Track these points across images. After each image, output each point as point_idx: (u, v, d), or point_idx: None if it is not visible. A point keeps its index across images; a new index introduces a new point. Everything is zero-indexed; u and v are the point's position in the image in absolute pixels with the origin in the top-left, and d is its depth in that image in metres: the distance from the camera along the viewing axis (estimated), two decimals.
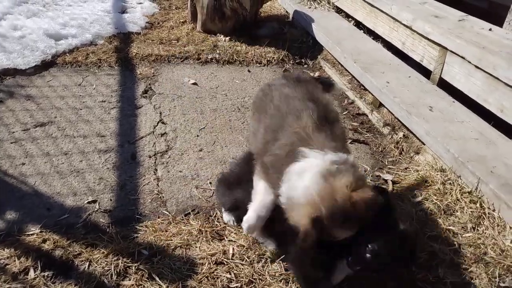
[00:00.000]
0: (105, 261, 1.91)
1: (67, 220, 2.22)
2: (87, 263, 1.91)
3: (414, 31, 3.78)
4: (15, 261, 1.89)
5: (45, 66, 3.75)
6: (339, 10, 5.25)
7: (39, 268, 1.88)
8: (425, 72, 3.68)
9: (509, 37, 3.32)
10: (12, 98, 3.26)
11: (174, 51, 4.25)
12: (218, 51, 4.37)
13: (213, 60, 4.26)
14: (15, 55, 3.74)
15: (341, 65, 4.14)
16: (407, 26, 3.88)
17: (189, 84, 3.78)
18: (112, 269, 1.87)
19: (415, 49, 3.83)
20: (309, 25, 4.74)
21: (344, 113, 3.58)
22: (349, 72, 4.01)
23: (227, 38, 4.62)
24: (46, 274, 1.85)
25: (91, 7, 5.05)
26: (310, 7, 5.29)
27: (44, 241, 2.03)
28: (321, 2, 5.39)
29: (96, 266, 1.89)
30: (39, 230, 2.10)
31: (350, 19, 5.05)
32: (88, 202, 2.36)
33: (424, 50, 3.70)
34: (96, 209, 2.31)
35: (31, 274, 1.85)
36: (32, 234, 2.07)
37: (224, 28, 4.72)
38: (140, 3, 5.51)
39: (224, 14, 4.64)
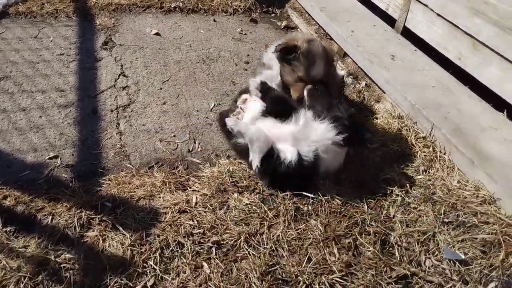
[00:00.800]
0: (68, 214, 1.95)
1: (28, 176, 2.22)
2: (50, 217, 1.94)
3: None
4: None
5: None
6: None
7: (1, 223, 1.90)
8: (391, 21, 3.68)
9: None
10: None
11: (136, 0, 4.07)
12: None
13: (177, 8, 4.12)
14: None
15: (308, 14, 4.09)
16: None
17: (152, 34, 3.67)
18: (76, 221, 1.91)
19: None
20: None
21: None
22: (316, 21, 3.97)
23: None
24: (8, 229, 1.88)
25: None
26: None
27: (5, 197, 2.04)
28: None
29: (59, 219, 1.93)
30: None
31: None
32: (50, 158, 2.36)
33: None
34: (58, 165, 2.31)
35: None
36: None
37: None
38: None
39: None
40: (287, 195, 2.19)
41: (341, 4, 3.96)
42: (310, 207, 2.15)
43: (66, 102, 2.77)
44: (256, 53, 3.61)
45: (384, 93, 3.00)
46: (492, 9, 2.82)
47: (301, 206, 2.15)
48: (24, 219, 1.94)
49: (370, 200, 2.24)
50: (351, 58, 3.39)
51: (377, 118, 2.86)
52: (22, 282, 1.65)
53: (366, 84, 3.19)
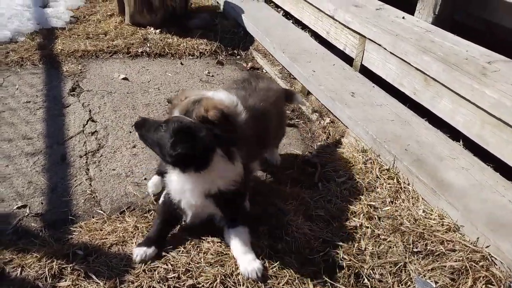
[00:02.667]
0: (39, 264, 1.89)
1: None
2: (19, 269, 1.88)
3: (336, 20, 4.00)
4: None
5: None
6: (268, 1, 5.38)
7: None
8: (348, 60, 3.92)
9: (419, 24, 3.63)
10: None
11: (102, 46, 4.15)
12: (148, 44, 4.32)
13: (144, 53, 4.22)
14: None
15: (272, 56, 4.28)
16: (330, 16, 4.09)
17: (119, 79, 3.73)
18: (47, 271, 1.86)
19: (338, 38, 4.06)
20: (240, 16, 4.83)
21: None
22: (279, 62, 4.16)
23: (158, 31, 4.58)
24: None
25: (7, 1, 4.74)
26: None
27: None
28: None
29: (29, 271, 1.87)
30: None
31: (279, 9, 5.20)
32: (18, 207, 2.31)
33: (346, 38, 3.93)
34: (26, 214, 2.26)
35: None
36: None
37: (153, 20, 4.66)
38: None
39: (152, 5, 4.58)
40: (261, 233, 2.22)
41: (302, 46, 4.19)
42: (284, 245, 2.18)
43: (33, 150, 2.74)
44: None
45: (348, 128, 3.16)
46: (438, 47, 3.08)
47: (275, 244, 2.19)
48: None
49: (341, 233, 2.31)
50: (315, 96, 3.56)
51: (343, 153, 2.99)
52: None
53: (330, 121, 3.34)
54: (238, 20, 4.88)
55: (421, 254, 2.20)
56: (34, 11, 4.60)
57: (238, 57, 4.51)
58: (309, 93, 3.65)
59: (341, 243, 2.24)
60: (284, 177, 2.77)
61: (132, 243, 2.08)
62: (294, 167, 2.88)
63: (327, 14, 4.13)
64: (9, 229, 2.15)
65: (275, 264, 2.07)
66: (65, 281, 1.85)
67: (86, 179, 2.56)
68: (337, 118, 3.28)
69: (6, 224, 2.18)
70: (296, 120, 3.48)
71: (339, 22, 3.98)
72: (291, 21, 4.83)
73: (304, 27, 4.67)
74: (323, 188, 2.65)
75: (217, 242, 2.14)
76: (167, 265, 1.98)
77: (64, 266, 1.90)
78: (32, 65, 3.72)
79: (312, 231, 2.29)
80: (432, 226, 2.36)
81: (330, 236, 2.29)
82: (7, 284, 1.83)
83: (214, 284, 1.92)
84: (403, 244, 2.27)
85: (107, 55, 4.08)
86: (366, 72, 3.73)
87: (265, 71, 4.26)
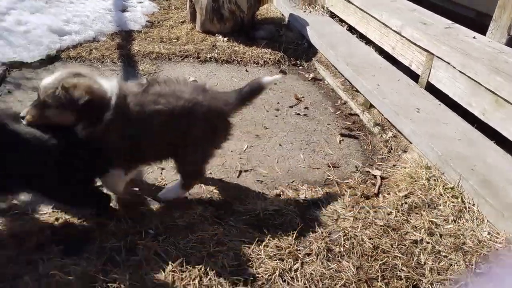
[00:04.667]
0: (115, 239, 2.06)
1: None
2: (98, 239, 2.06)
3: (403, 36, 4.00)
4: (31, 236, 2.03)
5: (50, 60, 3.88)
6: (332, 15, 5.46)
7: (54, 243, 2.02)
8: (414, 76, 3.89)
9: (491, 45, 3.54)
10: (19, 89, 3.38)
11: (175, 50, 4.41)
12: (216, 51, 4.54)
13: (212, 59, 4.43)
14: (20, 49, 3.86)
15: (335, 67, 4.34)
16: (396, 32, 4.09)
17: (190, 81, 3.94)
18: (122, 245, 2.02)
19: (404, 54, 4.04)
20: (304, 28, 4.94)
21: (337, 113, 3.77)
22: (342, 74, 4.21)
23: (226, 39, 4.79)
24: (60, 248, 2.00)
25: (92, 5, 5.19)
26: (305, 11, 5.50)
27: (57, 219, 2.17)
28: (315, 6, 5.60)
29: (106, 243, 2.04)
30: (51, 210, 2.24)
31: (343, 23, 5.26)
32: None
33: (412, 55, 3.91)
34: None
35: (46, 248, 1.99)
36: (45, 214, 2.21)
37: (222, 29, 4.89)
38: (140, 2, 5.66)
39: (223, 16, 4.81)
40: (319, 234, 2.27)
41: (366, 59, 4.21)
42: (342, 249, 2.21)
43: None
44: (286, 102, 3.83)
45: (411, 143, 3.13)
46: None
47: (333, 247, 2.22)
48: (75, 240, 2.05)
49: (401, 246, 2.29)
50: (377, 109, 3.56)
51: (405, 168, 2.96)
52: None
53: (393, 135, 3.32)
54: (303, 32, 5.00)
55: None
56: (114, 15, 4.99)
57: (301, 67, 4.61)
58: (371, 106, 3.66)
59: (400, 255, 2.23)
60: (343, 185, 2.80)
61: (198, 229, 2.20)
62: (354, 177, 2.90)
63: (394, 30, 4.14)
64: None
65: (332, 266, 2.10)
66: (137, 255, 2.00)
67: (157, 168, 2.73)
68: (400, 133, 3.26)
69: None
70: (357, 132, 3.50)
71: (406, 39, 3.97)
72: (355, 36, 4.88)
73: (368, 41, 4.69)
74: (383, 200, 2.65)
75: (277, 237, 2.20)
76: (229, 252, 2.07)
77: (137, 242, 2.05)
78: (111, 62, 4.03)
79: (371, 240, 2.30)
80: (497, 250, 2.28)
81: (389, 246, 2.28)
82: (88, 252, 2.00)
83: (273, 277, 1.99)
84: (465, 264, 2.22)
85: (179, 58, 4.33)
86: (432, 89, 3.68)
87: (326, 82, 4.32)
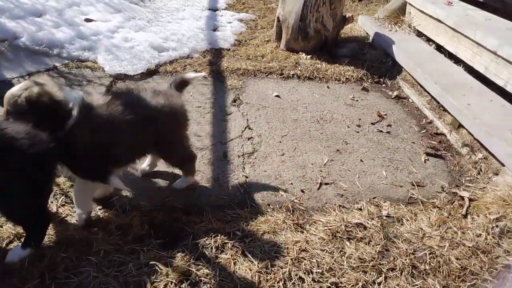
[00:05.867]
0: (206, 236, 2.24)
1: (171, 201, 2.59)
2: (191, 236, 2.25)
3: (499, 56, 3.80)
4: (132, 228, 2.29)
5: (149, 73, 4.30)
6: (419, 34, 5.34)
7: (152, 236, 2.25)
8: (508, 97, 3.67)
9: None
10: None
11: (260, 67, 4.63)
12: (299, 68, 4.68)
13: (295, 76, 4.58)
14: (125, 63, 4.34)
15: (421, 86, 4.24)
16: (491, 51, 3.90)
17: (273, 96, 4.11)
18: (212, 243, 2.19)
19: (499, 74, 3.83)
20: (390, 46, 4.90)
21: (422, 131, 3.68)
22: (428, 93, 4.10)
23: (309, 57, 4.92)
24: (157, 241, 2.22)
25: (188, 24, 5.65)
26: (390, 30, 5.45)
27: (156, 216, 2.41)
28: (401, 25, 5.52)
29: (198, 240, 2.22)
30: (150, 208, 2.49)
31: (430, 42, 5.12)
32: (188, 189, 2.73)
33: (508, 75, 3.70)
34: (196, 195, 2.67)
35: (145, 241, 2.22)
36: (144, 209, 2.47)
37: (306, 47, 5.03)
38: (230, 23, 6.03)
39: (308, 34, 4.96)
40: (403, 251, 2.24)
41: (455, 79, 4.06)
42: (427, 267, 2.17)
43: (202, 145, 3.21)
44: (368, 118, 3.82)
45: (504, 166, 2.95)
46: None
47: (418, 264, 2.18)
48: (171, 235, 2.27)
49: (492, 269, 2.19)
50: (467, 130, 3.42)
51: (496, 190, 2.81)
52: (169, 287, 1.92)
53: (483, 156, 3.17)
54: (387, 50, 4.96)
55: None
56: (207, 33, 5.38)
57: (384, 85, 4.57)
58: (460, 126, 3.52)
59: (490, 278, 2.13)
60: (428, 205, 2.73)
61: (282, 235, 2.30)
62: (440, 197, 2.82)
63: (488, 49, 3.95)
64: (181, 204, 2.57)
65: (417, 283, 2.07)
66: (226, 254, 2.15)
67: (242, 175, 2.90)
68: (492, 155, 3.09)
69: (178, 201, 2.61)
70: (443, 151, 3.38)
71: (502, 58, 3.77)
72: (443, 55, 4.72)
73: (457, 61, 4.52)
74: (471, 222, 2.54)
75: (360, 250, 2.23)
76: (312, 260, 2.14)
77: (226, 241, 2.21)
78: (203, 77, 4.36)
79: (458, 260, 2.22)
80: None
81: (478, 269, 2.19)
82: (181, 246, 2.19)
83: (356, 287, 2.01)
84: None
85: (263, 74, 4.55)
86: None
87: (411, 101, 4.24)
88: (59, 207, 2.45)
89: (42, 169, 1.95)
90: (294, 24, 4.91)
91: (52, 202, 2.45)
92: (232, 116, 3.67)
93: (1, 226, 2.24)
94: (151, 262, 2.07)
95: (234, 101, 3.95)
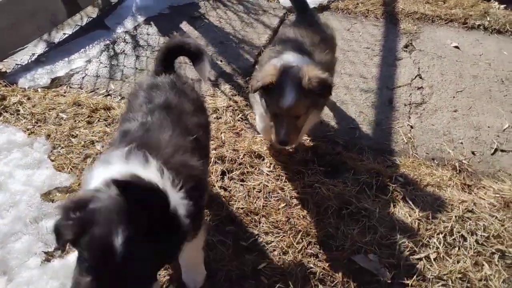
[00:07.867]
0: (367, 174, 2.28)
1: (333, 136, 2.67)
2: (352, 171, 2.32)
3: None
4: (298, 152, 2.46)
5: (321, 8, 4.27)
6: None
7: (316, 163, 2.39)
8: None
9: None
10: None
11: (440, 12, 4.19)
12: (488, 18, 4.09)
13: (481, 26, 4.03)
14: None
15: None
16: None
17: (451, 46, 3.73)
18: (373, 182, 2.22)
19: None
20: None
21: None
22: None
23: (502, 6, 4.24)
24: (321, 168, 2.35)
25: None
26: None
27: (318, 146, 2.53)
28: None
29: (359, 176, 2.27)
30: (311, 138, 2.62)
31: None
32: (349, 128, 2.76)
33: None
34: (356, 135, 2.70)
35: (310, 165, 2.38)
36: (306, 140, 2.61)
37: None
38: None
39: None
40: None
41: None
42: None
43: (367, 87, 3.16)
44: None
45: None
46: None
47: None
48: (333, 166, 2.38)
49: None
50: None
51: None
52: (330, 210, 2.06)
53: None
54: None
55: None
56: None
57: None
58: None
59: None
60: None
61: (446, 191, 2.20)
62: None
63: None
64: (343, 140, 2.63)
65: None
66: (386, 195, 2.17)
67: (407, 125, 2.80)
68: None
69: (342, 137, 2.67)
70: None
71: None
72: None
73: None
74: None
75: None
76: (478, 222, 2.02)
77: (387, 184, 2.22)
78: (374, 18, 4.15)
79: None
80: None
81: None
82: (342, 178, 2.28)
83: None
84: None
85: (443, 21, 4.11)
86: None
87: None
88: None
89: None
90: None
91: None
92: (402, 62, 3.47)
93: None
94: (315, 185, 2.21)
95: (406, 46, 3.71)
